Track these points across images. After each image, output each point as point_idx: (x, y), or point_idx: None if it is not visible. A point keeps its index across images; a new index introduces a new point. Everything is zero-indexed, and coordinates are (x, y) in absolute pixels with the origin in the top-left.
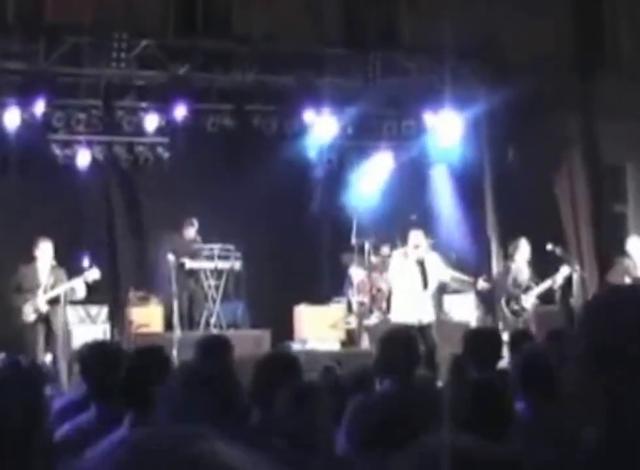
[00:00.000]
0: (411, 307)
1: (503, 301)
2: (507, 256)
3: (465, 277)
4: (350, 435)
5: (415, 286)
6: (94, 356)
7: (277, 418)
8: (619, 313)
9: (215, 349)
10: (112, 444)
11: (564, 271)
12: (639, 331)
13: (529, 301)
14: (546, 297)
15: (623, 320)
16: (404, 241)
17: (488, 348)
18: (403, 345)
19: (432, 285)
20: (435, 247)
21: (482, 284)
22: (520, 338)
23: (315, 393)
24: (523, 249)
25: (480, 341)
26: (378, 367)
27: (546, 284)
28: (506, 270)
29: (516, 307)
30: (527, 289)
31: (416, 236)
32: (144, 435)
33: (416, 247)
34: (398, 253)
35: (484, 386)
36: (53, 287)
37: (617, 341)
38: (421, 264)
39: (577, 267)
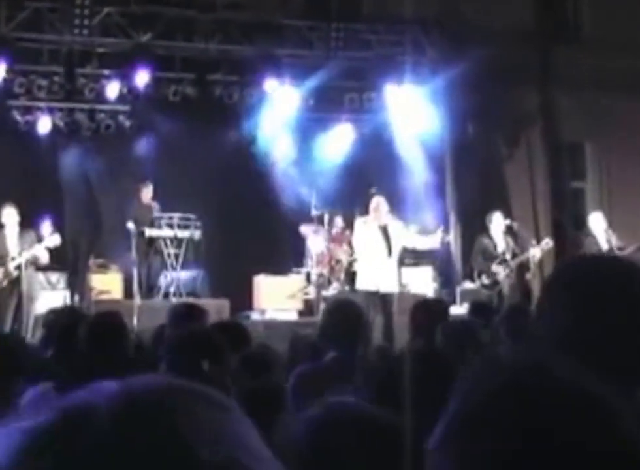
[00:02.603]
0: (374, 275)
1: (474, 275)
2: (481, 229)
3: (427, 238)
4: (293, 401)
5: (378, 253)
6: (60, 322)
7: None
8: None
9: (189, 317)
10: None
11: (544, 244)
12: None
13: (501, 273)
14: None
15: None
16: (364, 213)
17: (434, 319)
18: (345, 316)
19: (396, 251)
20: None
21: (441, 235)
22: (477, 311)
23: (261, 361)
24: (497, 222)
25: (425, 313)
26: (322, 337)
27: (523, 257)
28: (478, 243)
29: (487, 281)
30: (503, 262)
31: (377, 202)
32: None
33: (377, 212)
34: (359, 221)
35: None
36: (22, 252)
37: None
38: (384, 230)
39: (548, 240)
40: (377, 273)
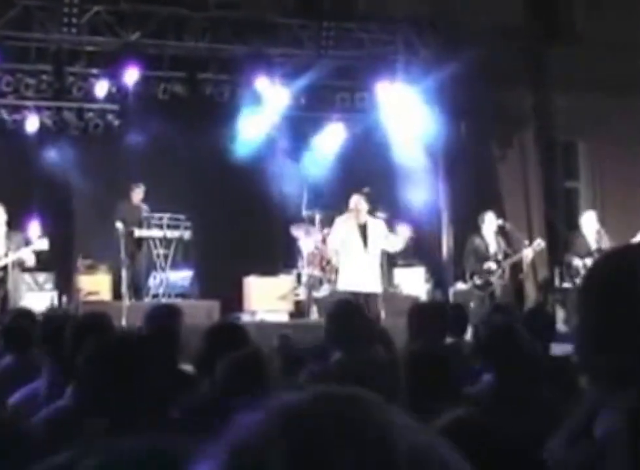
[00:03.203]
0: (355, 274)
1: (467, 276)
2: (474, 230)
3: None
4: None
5: (357, 252)
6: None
7: (219, 387)
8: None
9: (163, 317)
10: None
11: (536, 244)
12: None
13: (494, 274)
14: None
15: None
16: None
17: (434, 322)
18: (349, 318)
19: (373, 249)
20: (388, 222)
21: (406, 235)
22: (497, 312)
23: (256, 362)
24: (489, 223)
25: (425, 316)
26: (329, 339)
27: (516, 257)
28: (470, 244)
29: (479, 282)
30: (495, 262)
31: (356, 200)
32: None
33: (356, 210)
34: (339, 219)
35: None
36: (9, 253)
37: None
38: (363, 228)
39: (540, 241)
40: (358, 272)
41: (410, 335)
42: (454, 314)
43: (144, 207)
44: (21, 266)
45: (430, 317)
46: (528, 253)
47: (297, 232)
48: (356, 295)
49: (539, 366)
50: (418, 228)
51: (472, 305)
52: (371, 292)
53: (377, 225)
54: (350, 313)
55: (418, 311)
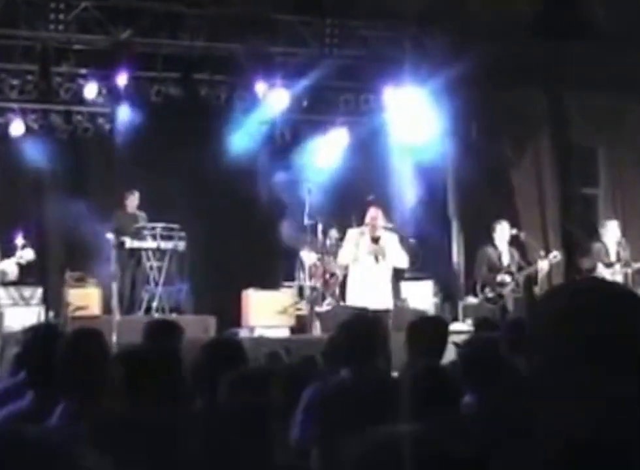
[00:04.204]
0: (365, 290)
1: (478, 288)
2: (486, 240)
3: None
4: (305, 424)
5: (368, 266)
6: (35, 340)
7: (219, 405)
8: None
9: (163, 334)
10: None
11: (552, 256)
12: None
13: (507, 288)
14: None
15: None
16: (360, 222)
17: (433, 338)
18: (363, 333)
19: (386, 264)
20: (394, 231)
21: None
22: (481, 327)
23: (258, 380)
24: (502, 232)
25: (423, 331)
26: (340, 354)
27: (531, 269)
28: (482, 254)
29: (490, 295)
30: (509, 274)
31: (374, 214)
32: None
33: (372, 225)
34: (354, 231)
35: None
36: None
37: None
38: (376, 242)
39: (556, 253)
40: (368, 288)
41: (409, 352)
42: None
43: (142, 214)
44: (2, 280)
45: (430, 333)
46: (543, 265)
47: (298, 242)
48: (363, 311)
49: (521, 383)
50: (426, 238)
51: None
52: (381, 309)
53: (390, 239)
54: (364, 326)
55: (416, 327)
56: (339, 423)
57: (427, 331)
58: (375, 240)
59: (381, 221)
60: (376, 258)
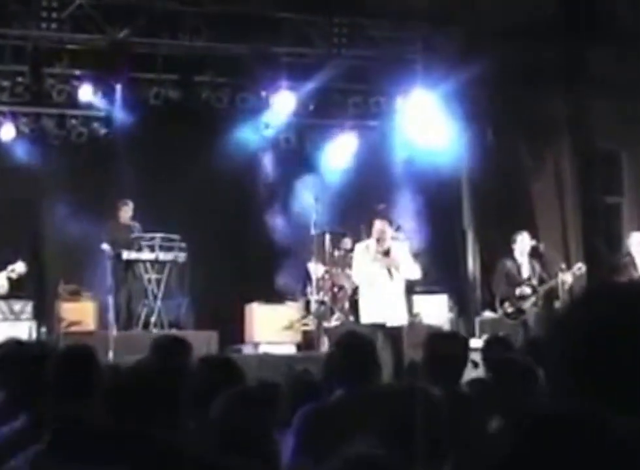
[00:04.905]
0: (379, 306)
1: (497, 303)
2: (504, 252)
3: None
4: (298, 445)
5: (381, 282)
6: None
7: (212, 424)
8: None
9: (171, 350)
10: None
11: (577, 269)
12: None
13: (527, 302)
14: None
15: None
16: (370, 233)
17: (451, 356)
18: (358, 352)
19: (398, 277)
20: (402, 240)
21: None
22: (493, 345)
23: (252, 399)
24: (521, 244)
25: (442, 350)
26: (336, 374)
27: (552, 283)
28: (500, 267)
29: (510, 310)
30: (530, 287)
31: (380, 227)
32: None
33: (380, 239)
34: (360, 246)
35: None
36: None
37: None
38: (386, 254)
39: (580, 265)
40: (382, 303)
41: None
42: None
43: (136, 225)
44: None
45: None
46: (566, 278)
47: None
48: (379, 328)
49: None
50: (440, 249)
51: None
52: (396, 326)
53: (400, 250)
54: (354, 344)
55: (434, 346)
56: (330, 446)
57: (446, 350)
58: (386, 253)
59: (388, 233)
60: (389, 272)
